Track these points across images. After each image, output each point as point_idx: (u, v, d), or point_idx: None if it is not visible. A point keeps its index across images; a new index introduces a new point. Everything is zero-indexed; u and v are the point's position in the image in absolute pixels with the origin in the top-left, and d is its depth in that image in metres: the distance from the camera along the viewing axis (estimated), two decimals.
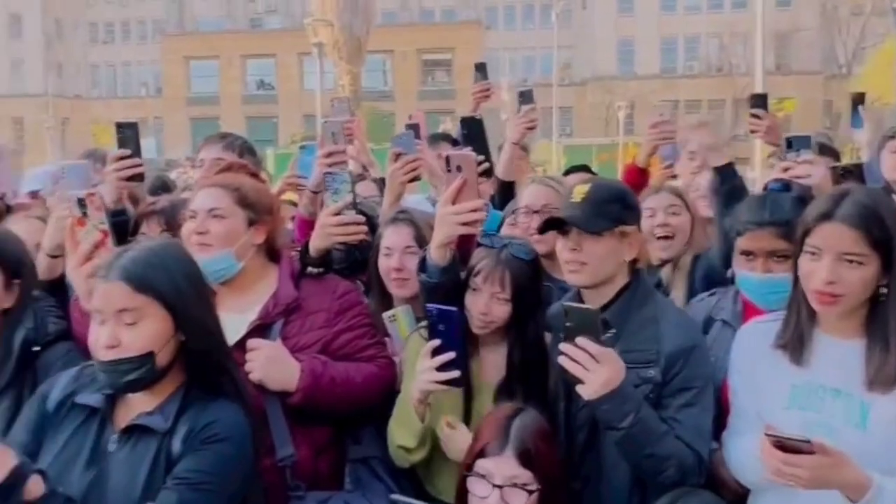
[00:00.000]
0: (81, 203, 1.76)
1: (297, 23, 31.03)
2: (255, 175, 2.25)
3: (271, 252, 2.00)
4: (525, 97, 3.18)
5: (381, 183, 3.57)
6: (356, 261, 2.31)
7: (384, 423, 1.89)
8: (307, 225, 2.39)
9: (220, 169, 2.20)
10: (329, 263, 2.12)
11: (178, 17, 50.08)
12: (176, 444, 1.39)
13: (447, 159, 1.88)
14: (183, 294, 1.44)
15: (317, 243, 2.06)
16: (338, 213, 2.01)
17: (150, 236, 2.35)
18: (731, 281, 2.08)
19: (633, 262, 1.82)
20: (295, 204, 3.19)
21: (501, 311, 1.84)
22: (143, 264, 1.41)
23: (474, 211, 1.79)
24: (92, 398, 1.45)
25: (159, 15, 50.02)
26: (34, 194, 3.11)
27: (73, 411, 1.45)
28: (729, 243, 2.06)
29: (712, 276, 2.34)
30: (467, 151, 1.96)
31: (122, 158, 2.36)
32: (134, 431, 1.41)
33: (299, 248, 2.13)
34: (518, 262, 1.86)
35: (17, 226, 2.53)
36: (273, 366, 1.79)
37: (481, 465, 1.53)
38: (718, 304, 2.09)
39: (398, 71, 43.03)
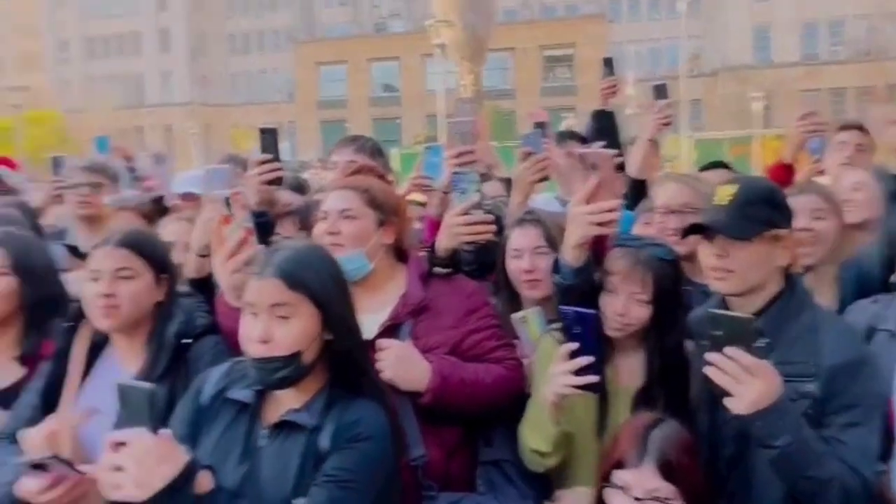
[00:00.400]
0: (228, 202, 1.86)
1: (420, 25, 31.62)
2: (381, 176, 2.29)
3: (399, 252, 2.03)
4: (660, 91, 3.06)
5: (506, 182, 3.55)
6: (485, 262, 2.30)
7: (515, 425, 1.85)
8: (437, 225, 2.40)
9: (350, 171, 2.26)
10: (457, 264, 2.12)
11: (308, 25, 52.42)
12: (323, 441, 1.42)
13: (582, 157, 1.83)
14: (331, 293, 1.48)
15: (444, 243, 2.06)
16: (465, 213, 2.00)
17: (287, 236, 2.44)
18: (893, 287, 1.90)
19: (786, 266, 1.68)
20: (421, 204, 3.23)
21: (640, 312, 1.77)
22: (295, 263, 1.45)
23: (610, 211, 1.73)
24: (242, 394, 1.50)
25: (291, 24, 52.57)
26: (185, 196, 3.32)
27: (224, 406, 1.51)
28: (893, 246, 1.87)
29: (866, 283, 2.13)
30: (603, 150, 1.90)
31: (263, 163, 2.46)
32: (283, 427, 1.46)
33: (428, 249, 2.15)
34: (659, 262, 1.78)
35: (169, 227, 2.71)
36: (403, 366, 1.81)
37: (619, 476, 1.47)
38: (883, 313, 1.90)
39: (519, 68, 42.85)
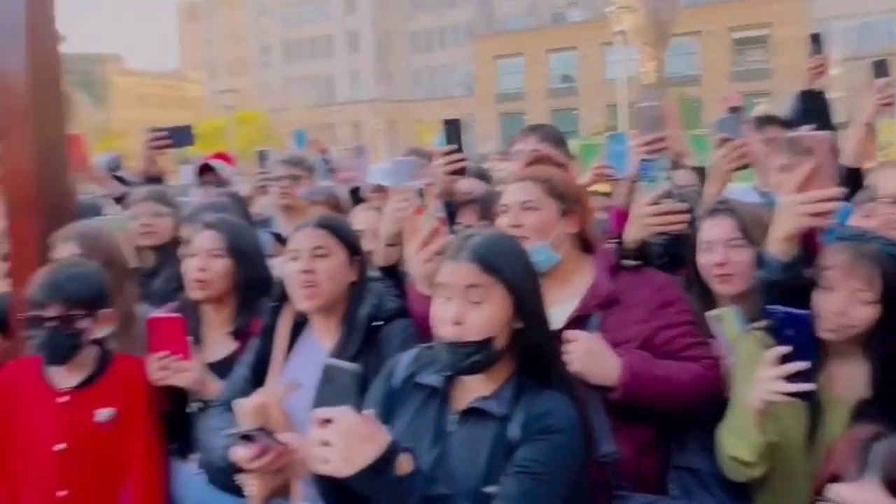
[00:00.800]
0: (420, 193, 1.91)
1: (599, 13, 30.84)
2: (561, 165, 2.25)
3: (585, 244, 1.97)
4: (880, 69, 2.74)
5: (697, 172, 3.35)
6: (675, 255, 2.18)
7: (710, 428, 1.73)
8: (624, 216, 2.31)
9: (529, 161, 2.23)
10: (646, 256, 2.03)
11: (486, 20, 53.14)
12: (513, 431, 1.41)
13: (792, 141, 1.67)
14: (523, 280, 1.46)
15: (633, 234, 1.98)
16: (655, 202, 1.91)
17: (468, 225, 2.46)
18: None
19: None
20: (605, 194, 3.13)
21: (863, 313, 1.57)
22: (488, 248, 1.45)
23: (826, 200, 1.56)
24: (432, 378, 1.52)
25: (470, 19, 53.59)
26: (375, 188, 3.49)
27: (414, 390, 1.54)
28: None
29: None
30: (819, 132, 1.72)
31: (448, 153, 2.50)
32: (471, 414, 1.46)
33: (616, 241, 2.07)
34: (887, 257, 1.57)
35: (360, 215, 2.86)
36: (592, 359, 1.75)
37: (837, 490, 1.32)
38: None
39: (706, 53, 40.43)
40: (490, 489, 1.37)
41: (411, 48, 56.95)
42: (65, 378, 2.05)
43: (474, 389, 1.48)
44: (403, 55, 56.64)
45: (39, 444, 1.98)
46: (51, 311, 1.95)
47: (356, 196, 3.48)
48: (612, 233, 2.31)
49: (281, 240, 3.04)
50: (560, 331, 1.78)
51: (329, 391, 1.28)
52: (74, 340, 1.99)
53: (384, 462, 1.23)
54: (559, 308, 1.82)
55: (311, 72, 57.47)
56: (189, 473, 2.09)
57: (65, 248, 2.27)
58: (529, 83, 45.42)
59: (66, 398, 2.03)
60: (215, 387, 2.05)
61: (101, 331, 2.06)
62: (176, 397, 2.09)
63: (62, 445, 1.98)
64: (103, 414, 2.03)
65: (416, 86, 56.19)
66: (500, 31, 50.27)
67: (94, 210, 3.06)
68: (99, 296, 2.04)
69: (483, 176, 3.47)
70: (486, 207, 2.43)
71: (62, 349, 1.98)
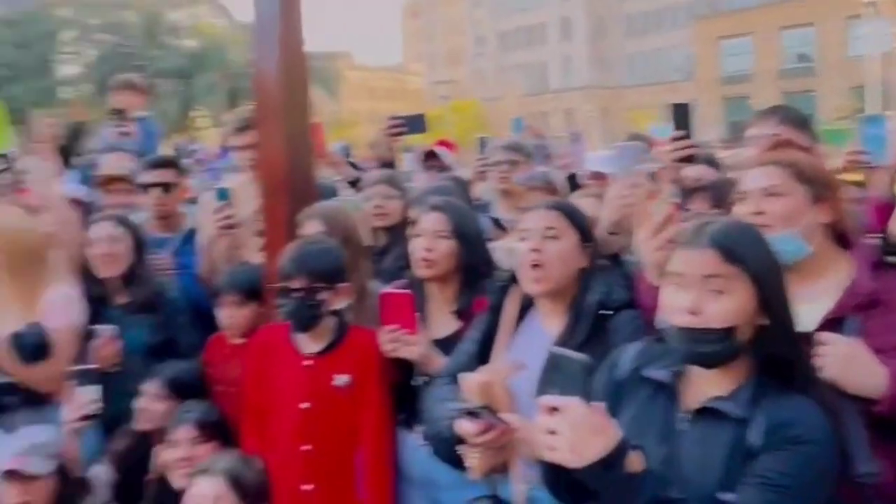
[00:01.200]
0: (653, 178, 1.83)
1: None
2: (805, 150, 2.05)
3: (839, 236, 1.77)
4: None
5: None
6: None
7: None
8: (885, 209, 2.04)
9: (769, 146, 2.06)
10: None
11: (709, 0, 49.89)
12: (753, 436, 1.30)
13: None
14: (769, 273, 1.34)
15: None
16: None
17: (698, 213, 2.33)
18: None
19: None
20: (857, 184, 2.81)
21: None
22: (730, 236, 1.35)
23: None
24: (659, 373, 1.44)
25: (689, 0, 50.64)
26: (593, 175, 3.43)
27: (641, 384, 1.47)
28: None
29: None
30: None
31: (677, 139, 2.38)
32: (705, 414, 1.36)
33: (878, 235, 1.84)
34: None
35: (578, 202, 2.82)
36: (850, 366, 1.56)
37: None
38: None
39: None
40: (727, 497, 1.27)
41: (626, 32, 55.11)
42: (308, 344, 2.25)
43: (706, 388, 1.38)
44: (617, 40, 55.00)
45: (288, 402, 2.20)
46: (297, 283, 2.14)
47: (573, 182, 3.45)
48: (870, 227, 2.06)
49: (499, 224, 3.09)
50: (811, 333, 1.61)
51: (556, 379, 1.24)
52: (316, 311, 2.17)
53: (614, 457, 1.18)
54: (808, 307, 1.64)
55: (525, 60, 57.81)
56: (414, 444, 2.19)
57: (310, 226, 2.49)
58: (758, 64, 41.94)
59: (310, 362, 2.23)
60: (440, 362, 2.13)
61: (339, 303, 2.23)
62: (403, 370, 2.20)
63: (307, 404, 2.18)
64: (341, 379, 2.20)
65: (630, 71, 54.31)
66: (725, 9, 46.93)
67: (330, 192, 3.32)
68: (338, 271, 2.21)
69: (713, 162, 3.26)
70: (719, 195, 2.28)
71: (305, 318, 2.18)
